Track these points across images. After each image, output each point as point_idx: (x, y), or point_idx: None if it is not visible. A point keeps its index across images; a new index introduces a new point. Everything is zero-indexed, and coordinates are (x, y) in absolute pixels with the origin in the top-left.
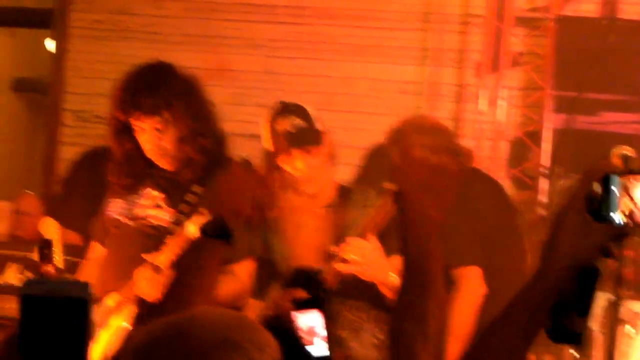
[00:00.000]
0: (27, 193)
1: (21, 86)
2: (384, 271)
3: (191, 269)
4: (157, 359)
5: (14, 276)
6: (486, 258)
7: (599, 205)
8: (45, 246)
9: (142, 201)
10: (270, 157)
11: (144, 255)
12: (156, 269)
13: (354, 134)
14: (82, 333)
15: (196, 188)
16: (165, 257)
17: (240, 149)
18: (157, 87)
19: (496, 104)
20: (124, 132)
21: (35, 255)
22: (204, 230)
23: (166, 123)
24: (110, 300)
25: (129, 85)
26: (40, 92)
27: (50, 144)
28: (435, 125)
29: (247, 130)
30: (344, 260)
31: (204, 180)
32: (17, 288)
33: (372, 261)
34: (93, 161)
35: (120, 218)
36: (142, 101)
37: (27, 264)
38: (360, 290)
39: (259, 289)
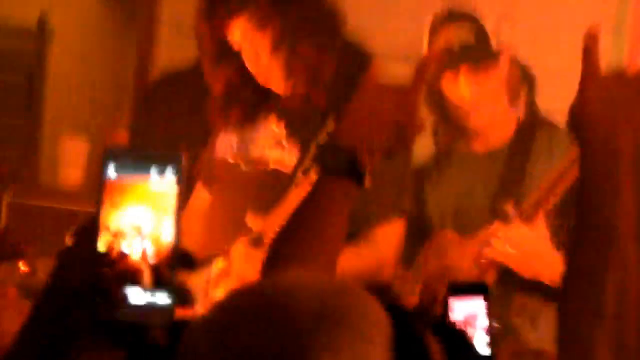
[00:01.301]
0: (118, 130)
1: None
2: (549, 268)
3: (306, 222)
4: (237, 335)
5: None
6: None
7: None
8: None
9: (261, 138)
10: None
11: (247, 220)
12: (257, 241)
13: (538, 51)
14: None
15: (331, 124)
16: (273, 222)
17: (389, 76)
18: None
19: None
20: (223, 52)
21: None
22: (324, 163)
23: (262, 17)
24: (215, 267)
25: None
26: None
27: (142, 65)
28: None
29: (398, 51)
30: (495, 250)
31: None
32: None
33: (531, 255)
34: (178, 84)
35: (231, 159)
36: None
37: None
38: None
39: (406, 254)
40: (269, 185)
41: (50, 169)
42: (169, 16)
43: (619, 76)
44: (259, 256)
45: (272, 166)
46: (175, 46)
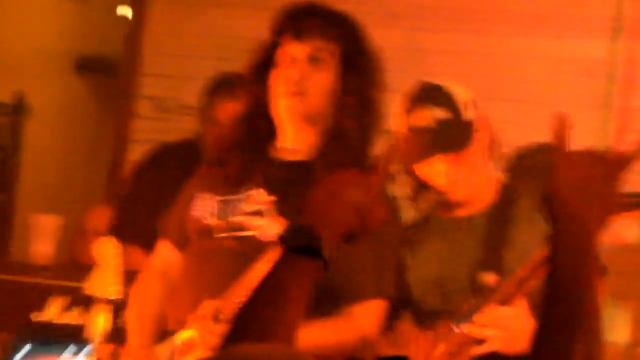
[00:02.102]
0: (98, 207)
1: (87, 66)
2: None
3: (267, 299)
4: None
5: (57, 312)
6: None
7: None
8: None
9: (245, 204)
10: (404, 159)
11: (202, 306)
12: (216, 317)
13: (525, 129)
14: None
15: None
16: (234, 295)
17: (374, 149)
18: (328, 13)
19: None
20: (263, 70)
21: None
22: (286, 241)
23: (327, 55)
24: (179, 338)
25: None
26: (110, 73)
27: (121, 141)
28: None
29: (383, 124)
30: (479, 340)
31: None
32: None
33: (516, 333)
34: (166, 161)
35: (211, 222)
36: (304, 21)
37: (75, 297)
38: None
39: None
40: (244, 255)
41: (22, 244)
42: (149, 91)
43: (590, 155)
44: (217, 331)
45: (249, 235)
46: (154, 122)
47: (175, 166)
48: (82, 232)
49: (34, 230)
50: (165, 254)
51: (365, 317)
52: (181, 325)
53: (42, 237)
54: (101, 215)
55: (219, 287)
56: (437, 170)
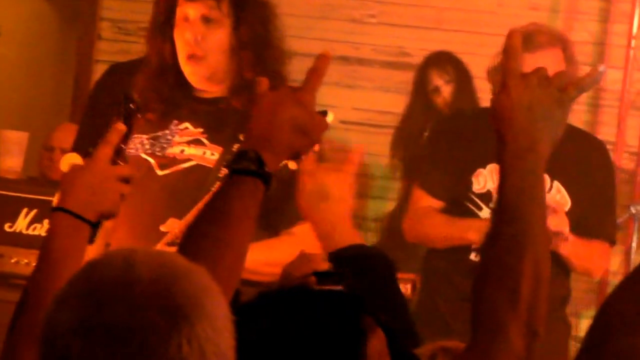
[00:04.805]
0: (65, 124)
1: None
2: None
3: (213, 221)
4: (67, 311)
5: (27, 225)
6: None
7: None
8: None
9: (178, 137)
10: None
11: (161, 227)
12: (173, 244)
13: (471, 60)
14: None
15: None
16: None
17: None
18: None
19: None
20: (166, 26)
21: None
22: (230, 163)
23: (219, 15)
24: None
25: None
26: None
27: (83, 62)
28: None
29: (335, 51)
30: None
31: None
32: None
33: None
34: (122, 78)
35: (147, 157)
36: None
37: (44, 210)
38: None
39: None
40: (190, 185)
41: None
42: (110, 14)
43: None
44: None
45: (193, 161)
46: (115, 43)
47: (129, 83)
48: (48, 147)
49: (2, 145)
50: None
51: (306, 235)
52: None
53: (10, 152)
54: (66, 132)
55: (164, 221)
56: None
